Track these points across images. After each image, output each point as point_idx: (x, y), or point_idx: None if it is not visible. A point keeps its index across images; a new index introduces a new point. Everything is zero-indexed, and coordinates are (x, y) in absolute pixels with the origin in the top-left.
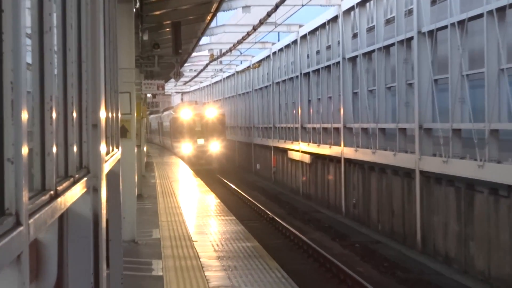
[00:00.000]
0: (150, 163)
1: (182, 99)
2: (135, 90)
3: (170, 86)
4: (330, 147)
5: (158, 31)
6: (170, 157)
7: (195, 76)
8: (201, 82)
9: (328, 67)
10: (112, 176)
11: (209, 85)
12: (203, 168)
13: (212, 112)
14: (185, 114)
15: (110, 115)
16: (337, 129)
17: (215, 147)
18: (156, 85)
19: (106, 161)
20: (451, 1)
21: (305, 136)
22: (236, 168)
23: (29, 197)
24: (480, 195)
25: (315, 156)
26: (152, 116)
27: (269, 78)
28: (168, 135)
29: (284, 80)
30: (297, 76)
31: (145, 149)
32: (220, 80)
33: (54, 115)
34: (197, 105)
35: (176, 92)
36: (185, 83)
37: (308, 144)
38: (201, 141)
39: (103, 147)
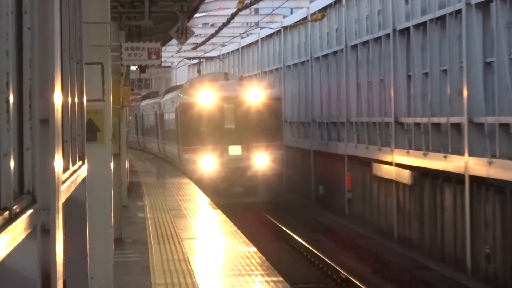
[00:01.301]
0: (136, 184)
1: (199, 71)
2: (111, 60)
3: (170, 52)
4: (445, 157)
5: None
6: (173, 174)
7: (213, 36)
8: (222, 46)
9: (442, 19)
10: (74, 207)
11: (236, 50)
12: (240, 203)
13: (256, 94)
14: (204, 97)
15: (69, 102)
16: (457, 126)
17: (263, 161)
18: (147, 50)
19: (63, 183)
20: None
21: (403, 137)
22: (283, 191)
23: None
24: None
25: (419, 173)
26: (145, 103)
27: (340, 39)
28: (173, 137)
29: (366, 42)
30: (387, 35)
31: (127, 163)
32: (256, 42)
33: None
34: (227, 81)
35: (187, 59)
36: (196, 46)
37: (408, 152)
38: (236, 149)
39: (58, 159)
